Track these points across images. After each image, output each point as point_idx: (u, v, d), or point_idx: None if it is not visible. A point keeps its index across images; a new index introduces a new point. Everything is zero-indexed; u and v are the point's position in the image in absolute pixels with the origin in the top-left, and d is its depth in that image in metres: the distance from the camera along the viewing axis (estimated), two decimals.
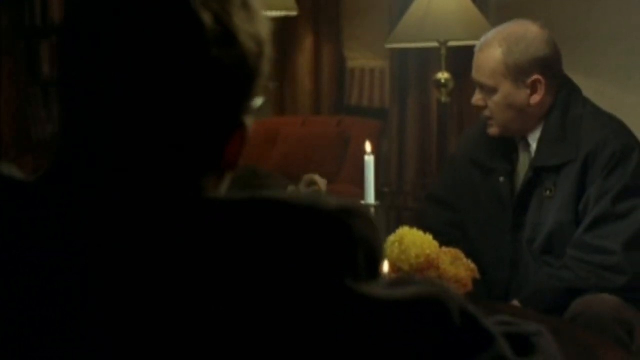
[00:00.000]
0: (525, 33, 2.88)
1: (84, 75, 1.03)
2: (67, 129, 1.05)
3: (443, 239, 3.03)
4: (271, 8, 5.22)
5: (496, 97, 2.89)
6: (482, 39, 2.95)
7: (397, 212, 5.02)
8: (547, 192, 2.85)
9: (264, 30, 1.10)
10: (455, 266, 2.42)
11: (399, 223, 4.64)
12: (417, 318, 1.00)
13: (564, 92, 2.90)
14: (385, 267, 2.37)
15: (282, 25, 5.83)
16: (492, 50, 2.88)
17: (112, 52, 1.01)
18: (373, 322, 0.98)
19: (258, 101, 1.15)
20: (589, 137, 2.81)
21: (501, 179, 2.95)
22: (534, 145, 2.91)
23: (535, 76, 2.85)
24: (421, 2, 4.27)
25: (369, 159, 2.73)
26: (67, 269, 0.97)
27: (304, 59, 5.78)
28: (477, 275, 2.50)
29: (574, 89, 2.94)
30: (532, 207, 2.88)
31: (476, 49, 2.96)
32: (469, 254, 2.95)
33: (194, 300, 0.95)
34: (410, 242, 2.44)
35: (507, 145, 2.99)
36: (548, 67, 2.87)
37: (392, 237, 2.49)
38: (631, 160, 2.79)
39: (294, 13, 5.36)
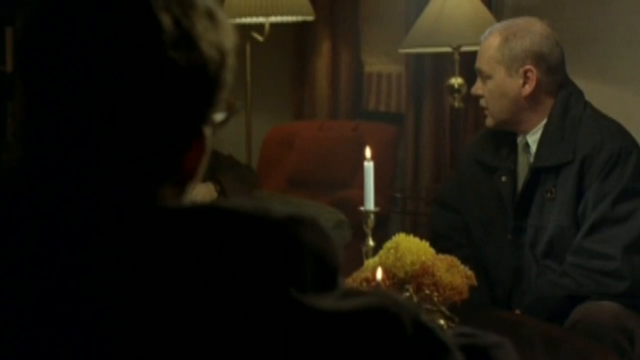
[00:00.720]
0: (527, 26, 2.95)
1: (37, 77, 1.03)
2: (21, 135, 1.05)
3: (449, 244, 3.07)
4: (288, 13, 5.22)
5: (491, 84, 2.96)
6: (489, 29, 3.03)
7: (412, 217, 5.01)
8: (548, 194, 2.86)
9: (229, 41, 1.10)
10: (451, 274, 2.40)
11: (414, 229, 4.66)
12: (364, 330, 1.00)
13: (565, 93, 2.92)
14: (379, 274, 2.37)
15: (300, 30, 5.84)
16: (493, 39, 2.96)
17: (68, 51, 1.00)
18: (316, 334, 0.97)
19: (219, 116, 1.14)
20: (586, 140, 2.82)
21: (503, 178, 2.97)
22: (533, 147, 2.92)
23: (528, 66, 2.90)
24: (434, 7, 4.26)
25: (369, 165, 2.73)
26: (20, 281, 0.97)
27: (321, 64, 5.78)
28: (474, 282, 2.48)
29: (575, 92, 2.95)
30: (533, 210, 2.89)
31: (481, 39, 3.04)
32: (473, 257, 2.99)
33: (135, 309, 0.95)
34: (406, 249, 2.43)
35: (511, 146, 3.00)
36: (542, 60, 2.91)
37: (388, 244, 2.49)
38: (629, 163, 2.78)
39: (310, 18, 5.35)
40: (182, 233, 0.98)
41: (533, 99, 2.92)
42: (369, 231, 2.73)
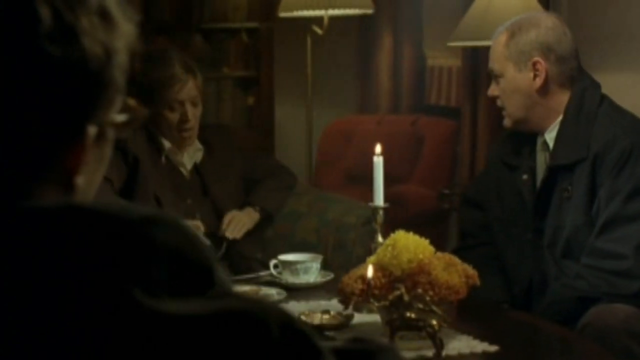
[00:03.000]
0: (532, 20, 2.93)
1: None
2: None
3: (474, 241, 3.05)
4: (347, 6, 5.20)
5: (503, 83, 2.93)
6: (498, 28, 2.99)
7: None
8: (565, 192, 2.80)
9: (120, 42, 1.08)
10: (448, 272, 2.37)
11: None
12: (221, 334, 0.98)
13: (580, 87, 2.86)
14: (370, 271, 2.34)
15: (362, 24, 5.81)
16: (501, 37, 2.94)
17: None
18: (160, 338, 0.95)
19: (120, 117, 1.13)
20: (599, 136, 2.76)
21: (524, 176, 2.93)
22: (552, 145, 2.86)
23: (535, 58, 2.86)
24: (482, 0, 4.19)
25: (378, 161, 2.71)
26: None
27: (383, 58, 5.75)
28: (476, 282, 2.43)
29: (591, 86, 2.89)
30: (552, 209, 2.84)
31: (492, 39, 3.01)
32: (496, 255, 2.94)
33: None
34: (403, 246, 2.40)
35: (532, 144, 2.97)
36: (550, 51, 2.86)
37: (387, 241, 2.46)
38: None
39: (370, 11, 5.32)
40: (30, 232, 0.97)
41: (545, 93, 2.87)
42: (377, 227, 2.71)
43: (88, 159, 1.08)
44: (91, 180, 1.11)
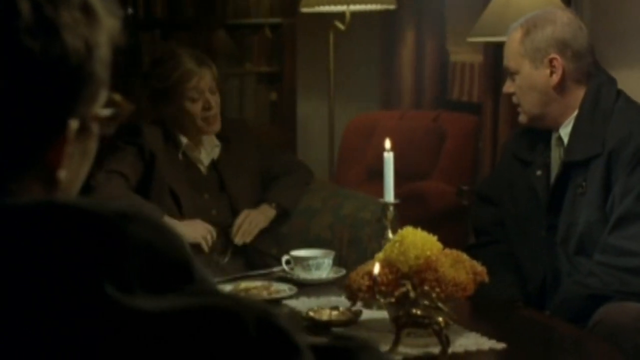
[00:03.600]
0: (547, 16, 2.90)
1: None
2: None
3: (487, 238, 3.03)
4: (370, 2, 5.20)
5: (519, 80, 2.90)
6: (512, 25, 2.97)
7: None
8: (579, 189, 2.78)
9: (103, 36, 1.08)
10: (455, 269, 2.35)
11: None
12: (195, 329, 0.97)
13: (595, 83, 2.84)
14: (376, 268, 2.33)
15: (384, 20, 5.79)
16: (515, 34, 2.91)
17: None
18: (131, 334, 0.95)
19: (106, 112, 1.13)
20: (614, 132, 2.73)
21: (538, 172, 2.92)
22: (566, 141, 2.84)
23: (552, 55, 2.83)
24: None
25: (388, 156, 2.70)
26: None
27: (406, 53, 5.73)
28: (485, 278, 2.42)
29: (607, 80, 2.86)
30: (566, 206, 2.82)
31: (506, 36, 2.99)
32: (510, 252, 2.92)
33: None
34: (411, 243, 2.39)
35: (547, 140, 2.94)
36: (566, 47, 2.84)
37: (395, 238, 2.45)
38: None
39: (392, 7, 5.31)
40: (5, 229, 0.97)
41: (562, 89, 2.84)
42: (388, 224, 2.70)
43: (71, 153, 1.08)
44: (75, 175, 1.11)
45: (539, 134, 2.96)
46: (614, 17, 4.44)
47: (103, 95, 1.11)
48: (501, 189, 3.06)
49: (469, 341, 2.35)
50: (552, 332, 2.54)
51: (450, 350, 2.23)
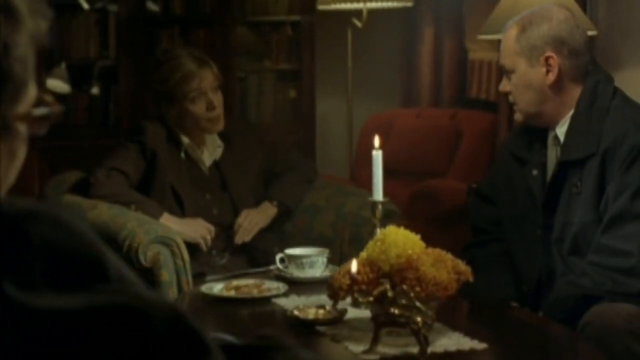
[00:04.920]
0: (543, 13, 2.85)
1: None
2: None
3: (486, 237, 3.00)
4: None
5: (515, 78, 2.86)
6: (508, 23, 2.93)
7: None
8: (575, 188, 2.74)
9: (23, 36, 1.08)
10: (437, 268, 2.33)
11: None
12: (94, 328, 0.97)
13: (592, 81, 2.79)
14: (354, 266, 2.32)
15: (402, 17, 5.77)
16: (511, 32, 2.86)
17: None
18: (25, 331, 0.95)
19: (40, 110, 1.13)
20: (609, 131, 2.69)
21: (534, 172, 2.88)
22: (562, 139, 2.80)
23: (548, 53, 2.78)
24: None
25: (377, 155, 2.68)
26: None
27: (424, 51, 5.70)
28: (469, 277, 2.39)
29: (604, 80, 2.81)
30: (561, 205, 2.78)
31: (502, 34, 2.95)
32: (507, 250, 2.90)
33: None
34: (392, 242, 2.38)
35: (544, 139, 2.90)
36: (562, 45, 2.79)
37: (377, 236, 2.43)
38: None
39: (409, 4, 5.30)
40: None
41: (558, 88, 2.80)
42: (377, 222, 2.67)
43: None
44: (1, 176, 1.11)
45: (536, 133, 2.92)
46: (629, 14, 4.38)
47: (28, 95, 1.10)
48: (500, 188, 3.03)
49: (450, 341, 2.32)
50: (538, 332, 2.51)
51: (429, 350, 2.21)
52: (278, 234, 3.61)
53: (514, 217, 2.94)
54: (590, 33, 4.36)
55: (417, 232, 4.53)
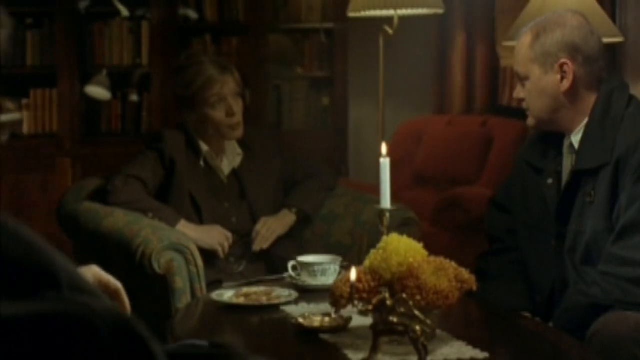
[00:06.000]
0: (557, 20, 2.82)
1: None
2: None
3: (501, 246, 2.98)
4: (417, 6, 5.16)
5: (529, 85, 2.84)
6: (522, 29, 2.91)
7: None
8: (588, 197, 2.70)
9: None
10: (437, 277, 2.31)
11: None
12: (35, 336, 0.98)
13: (607, 89, 2.75)
14: (353, 274, 2.31)
15: (434, 24, 5.74)
16: (525, 38, 2.85)
17: None
18: None
19: (5, 117, 1.15)
20: (623, 140, 2.65)
21: (549, 180, 2.85)
22: (577, 147, 2.76)
23: (563, 60, 2.76)
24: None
25: (385, 162, 2.66)
26: None
27: (456, 58, 5.67)
28: (472, 287, 2.37)
29: (619, 86, 2.78)
30: (574, 214, 2.75)
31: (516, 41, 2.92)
32: (521, 260, 2.87)
33: None
34: (394, 250, 2.37)
35: (559, 147, 2.87)
36: (577, 52, 2.76)
37: (379, 245, 2.43)
38: None
39: (440, 11, 5.27)
40: None
41: (573, 95, 2.77)
42: (384, 230, 2.66)
43: None
44: None
45: (551, 141, 2.90)
46: None
47: None
48: (515, 197, 3.01)
49: (451, 350, 2.31)
50: (544, 343, 2.48)
51: (429, 358, 2.20)
52: (297, 241, 3.61)
53: (528, 226, 2.92)
54: (616, 40, 4.33)
55: (442, 240, 4.56)
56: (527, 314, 2.77)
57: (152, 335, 1.04)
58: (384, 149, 2.68)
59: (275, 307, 2.75)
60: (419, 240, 3.59)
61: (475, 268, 3.04)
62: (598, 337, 2.47)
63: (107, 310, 1.02)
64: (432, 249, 4.44)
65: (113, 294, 1.42)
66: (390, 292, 2.29)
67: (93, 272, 1.38)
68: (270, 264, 3.50)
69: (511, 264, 2.94)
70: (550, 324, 2.68)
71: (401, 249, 2.37)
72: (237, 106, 3.47)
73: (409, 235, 3.51)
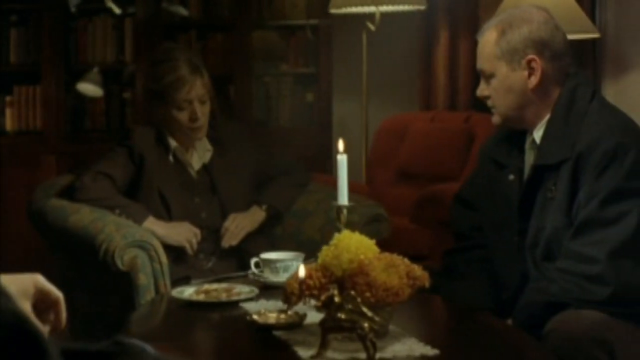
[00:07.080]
0: (524, 16, 2.78)
1: None
2: None
3: (468, 243, 2.96)
4: (400, 2, 5.16)
5: (495, 82, 2.80)
6: (485, 26, 2.86)
7: None
8: (549, 193, 2.68)
9: None
10: (388, 274, 2.31)
11: None
12: None
13: (571, 84, 2.73)
14: (301, 271, 2.31)
15: (417, 20, 5.73)
16: (489, 35, 2.80)
17: None
18: None
19: None
20: (584, 135, 2.62)
21: (511, 177, 2.83)
22: (539, 143, 2.75)
23: (530, 56, 2.72)
24: None
25: (342, 159, 2.65)
26: None
27: (439, 54, 5.66)
28: (425, 283, 2.37)
29: (584, 83, 2.75)
30: (536, 210, 2.73)
31: (477, 37, 2.89)
32: (487, 257, 2.86)
33: None
34: (345, 247, 2.36)
35: (523, 143, 2.84)
36: (544, 47, 2.73)
37: (331, 241, 2.42)
38: (625, 161, 2.56)
39: (422, 7, 5.27)
40: None
41: (541, 91, 2.74)
42: (341, 226, 2.65)
43: None
44: None
45: (515, 137, 2.88)
46: (638, 16, 4.31)
47: None
48: (480, 193, 2.99)
49: (402, 347, 2.30)
50: (497, 339, 2.48)
51: (378, 355, 2.19)
52: (268, 237, 3.61)
53: (493, 222, 2.90)
54: (591, 36, 4.32)
55: (423, 236, 4.55)
56: (488, 312, 2.76)
57: (50, 337, 1.05)
58: (341, 145, 2.66)
59: (234, 304, 2.75)
60: (389, 235, 3.62)
61: (442, 264, 3.05)
62: (554, 336, 2.45)
63: (6, 309, 1.03)
64: (413, 245, 4.46)
65: (52, 303, 1.42)
66: (340, 288, 2.29)
67: (34, 281, 1.39)
68: (241, 260, 3.50)
69: (477, 261, 2.93)
70: (509, 321, 2.67)
71: (352, 245, 2.37)
72: (202, 110, 3.46)
73: (379, 231, 3.55)
